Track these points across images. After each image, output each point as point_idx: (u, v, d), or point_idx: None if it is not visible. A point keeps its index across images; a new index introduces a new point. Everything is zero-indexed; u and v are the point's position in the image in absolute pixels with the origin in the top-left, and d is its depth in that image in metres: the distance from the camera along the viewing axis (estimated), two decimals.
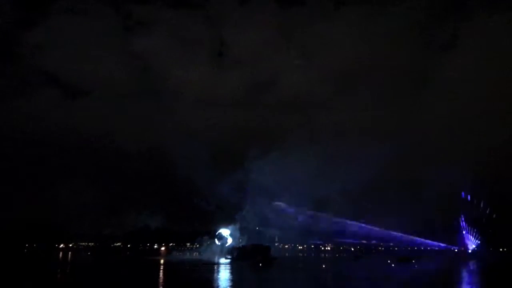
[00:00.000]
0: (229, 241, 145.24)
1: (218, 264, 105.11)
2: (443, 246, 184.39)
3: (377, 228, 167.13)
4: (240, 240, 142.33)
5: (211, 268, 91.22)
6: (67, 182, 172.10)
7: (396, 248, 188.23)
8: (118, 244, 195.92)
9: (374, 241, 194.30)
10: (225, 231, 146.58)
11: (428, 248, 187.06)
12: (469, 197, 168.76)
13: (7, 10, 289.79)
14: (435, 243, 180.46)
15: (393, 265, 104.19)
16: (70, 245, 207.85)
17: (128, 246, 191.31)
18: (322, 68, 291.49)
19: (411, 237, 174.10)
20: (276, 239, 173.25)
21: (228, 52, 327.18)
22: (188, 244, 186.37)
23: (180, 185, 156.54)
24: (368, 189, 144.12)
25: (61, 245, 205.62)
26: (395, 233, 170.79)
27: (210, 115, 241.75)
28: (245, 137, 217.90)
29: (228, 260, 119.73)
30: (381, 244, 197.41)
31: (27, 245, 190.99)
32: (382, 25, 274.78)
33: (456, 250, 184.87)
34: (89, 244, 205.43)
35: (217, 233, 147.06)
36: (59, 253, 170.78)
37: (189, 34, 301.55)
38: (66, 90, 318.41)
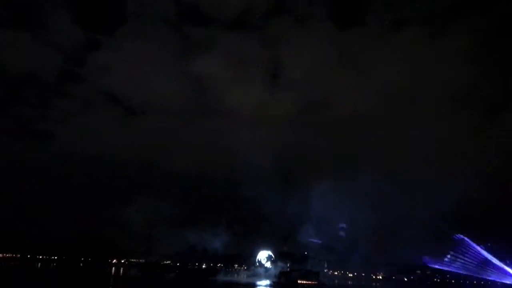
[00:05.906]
0: (277, 264, 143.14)
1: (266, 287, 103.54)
2: None
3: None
4: (288, 265, 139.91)
5: None
6: (122, 199, 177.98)
7: (453, 281, 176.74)
8: (167, 262, 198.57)
9: (428, 272, 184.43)
10: (272, 255, 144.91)
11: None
12: None
13: (73, 33, 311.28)
14: None
15: None
16: (122, 261, 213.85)
17: (177, 264, 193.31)
18: (379, 88, 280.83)
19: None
20: (325, 265, 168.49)
21: (283, 72, 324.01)
22: (236, 265, 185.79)
23: (230, 206, 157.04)
24: (433, 218, 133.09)
25: (114, 261, 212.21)
26: None
27: (263, 134, 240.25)
28: (299, 158, 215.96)
29: (275, 284, 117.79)
30: (436, 275, 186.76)
31: (82, 258, 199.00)
32: (445, 45, 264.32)
33: None
34: (140, 260, 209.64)
35: (265, 256, 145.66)
36: (112, 268, 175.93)
37: (245, 55, 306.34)
38: (125, 109, 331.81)
